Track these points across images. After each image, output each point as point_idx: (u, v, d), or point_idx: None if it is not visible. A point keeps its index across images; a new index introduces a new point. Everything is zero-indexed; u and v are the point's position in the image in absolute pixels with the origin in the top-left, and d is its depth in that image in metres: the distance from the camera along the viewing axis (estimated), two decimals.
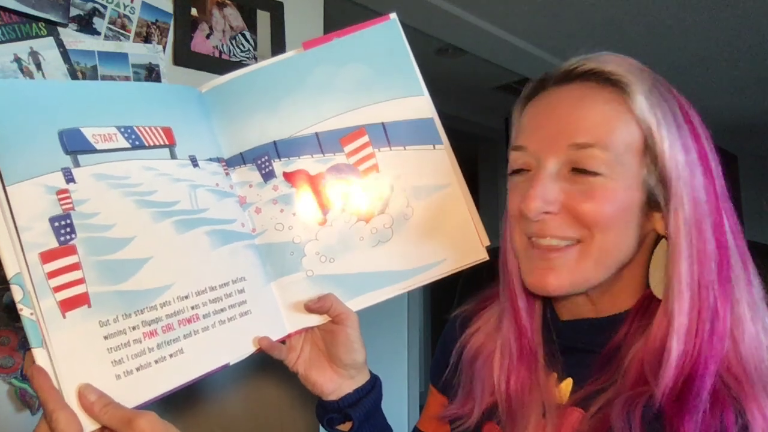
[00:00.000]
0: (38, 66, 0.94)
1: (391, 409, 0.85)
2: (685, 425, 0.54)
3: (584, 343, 0.67)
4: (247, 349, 0.69)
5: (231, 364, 0.67)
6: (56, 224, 0.57)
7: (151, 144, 0.67)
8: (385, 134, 0.77)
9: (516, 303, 0.72)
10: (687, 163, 0.59)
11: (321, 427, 0.83)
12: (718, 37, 2.72)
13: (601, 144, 0.60)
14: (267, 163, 0.75)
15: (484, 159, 4.12)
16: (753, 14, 2.47)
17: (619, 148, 0.60)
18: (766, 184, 5.03)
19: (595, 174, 0.60)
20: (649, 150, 0.60)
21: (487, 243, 0.77)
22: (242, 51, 1.20)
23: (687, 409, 0.55)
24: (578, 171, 0.61)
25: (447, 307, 0.92)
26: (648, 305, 0.63)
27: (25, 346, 0.92)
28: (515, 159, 0.67)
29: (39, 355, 0.55)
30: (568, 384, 0.67)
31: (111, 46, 1.02)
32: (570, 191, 0.61)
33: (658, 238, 0.64)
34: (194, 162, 0.70)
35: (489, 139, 3.99)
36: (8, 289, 0.91)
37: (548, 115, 0.64)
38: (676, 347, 0.58)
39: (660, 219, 0.62)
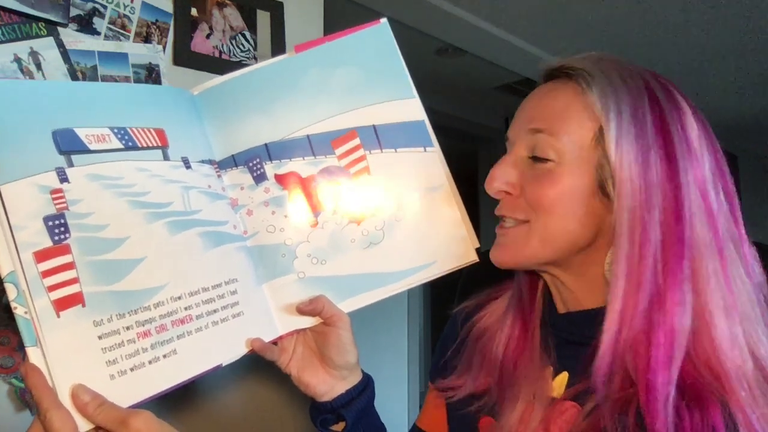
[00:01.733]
0: (38, 66, 0.95)
1: (391, 408, 0.86)
2: (653, 415, 0.54)
3: (577, 336, 0.68)
4: (239, 351, 0.70)
5: (223, 365, 0.68)
6: (50, 224, 0.57)
7: (144, 145, 0.67)
8: (377, 136, 0.77)
9: (520, 290, 0.76)
10: (639, 152, 0.60)
11: None
12: (717, 37, 2.71)
13: (550, 130, 0.65)
14: (258, 166, 0.75)
15: (484, 159, 4.10)
16: (753, 14, 2.46)
17: (571, 136, 0.64)
18: (766, 184, 5.03)
19: (545, 160, 0.65)
20: (601, 140, 0.63)
21: (478, 245, 0.78)
22: (242, 51, 1.20)
23: (649, 399, 0.55)
24: (535, 158, 0.66)
25: (447, 305, 0.92)
26: None
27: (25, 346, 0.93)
28: (506, 148, 0.72)
29: (33, 354, 0.55)
30: (563, 378, 0.67)
31: (111, 46, 1.02)
32: (526, 175, 0.67)
33: None
34: (187, 164, 0.71)
35: (489, 139, 3.98)
36: None
37: (521, 110, 0.71)
38: (607, 331, 0.59)
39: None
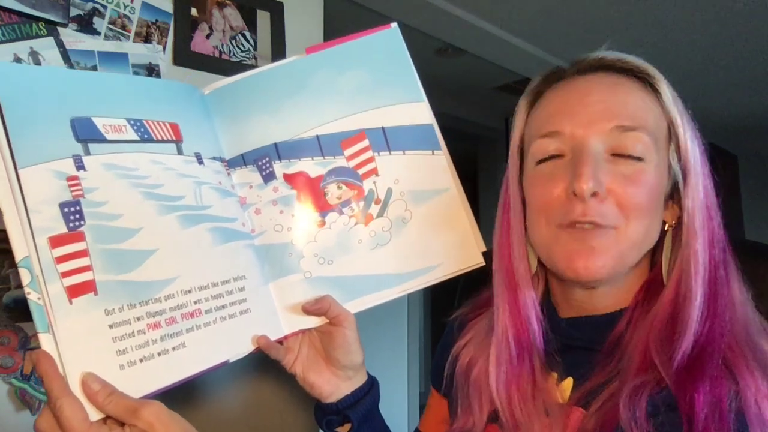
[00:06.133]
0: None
1: (391, 409, 0.85)
2: (698, 395, 0.54)
3: (584, 341, 0.66)
4: (246, 347, 0.70)
5: (230, 361, 0.67)
6: (66, 210, 0.57)
7: (159, 138, 0.67)
8: (385, 139, 0.78)
9: (518, 300, 0.68)
10: (700, 153, 0.63)
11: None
12: (718, 37, 2.72)
13: (644, 128, 0.61)
14: (267, 165, 0.75)
15: (484, 159, 4.11)
16: (753, 14, 2.47)
17: (656, 135, 0.62)
18: (766, 184, 5.03)
19: (638, 159, 0.61)
20: (672, 139, 0.63)
21: (484, 249, 0.78)
22: (242, 51, 1.20)
23: (699, 380, 0.55)
24: (619, 156, 0.61)
25: (447, 309, 0.91)
26: (647, 295, 0.64)
27: (25, 346, 0.92)
28: (546, 146, 0.65)
29: (45, 341, 0.55)
30: (568, 383, 0.66)
31: (111, 46, 1.02)
32: (614, 174, 0.61)
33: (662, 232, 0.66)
34: (199, 159, 0.71)
35: (489, 139, 3.99)
36: (8, 288, 0.92)
37: (582, 100, 0.64)
38: (694, 320, 0.58)
39: (671, 208, 0.65)
